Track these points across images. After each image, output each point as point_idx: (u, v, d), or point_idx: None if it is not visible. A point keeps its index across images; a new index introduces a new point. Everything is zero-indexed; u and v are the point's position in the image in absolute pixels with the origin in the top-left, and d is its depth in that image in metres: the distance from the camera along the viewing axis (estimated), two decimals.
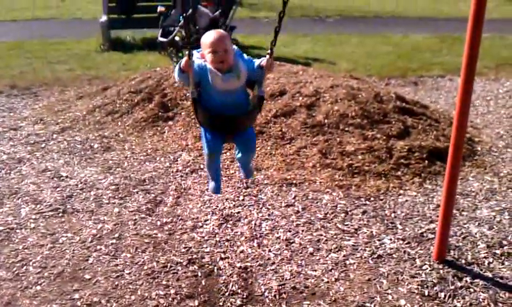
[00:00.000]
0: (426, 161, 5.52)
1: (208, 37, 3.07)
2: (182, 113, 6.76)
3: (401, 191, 4.99)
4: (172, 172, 5.47)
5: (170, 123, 6.69)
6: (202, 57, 3.11)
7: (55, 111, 7.51)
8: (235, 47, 3.14)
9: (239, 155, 3.50)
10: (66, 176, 5.37)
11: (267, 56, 3.05)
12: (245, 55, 3.20)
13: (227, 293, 3.51)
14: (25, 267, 3.83)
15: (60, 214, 4.62)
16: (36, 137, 6.52)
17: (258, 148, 5.82)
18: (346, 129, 5.93)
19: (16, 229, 4.37)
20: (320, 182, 5.12)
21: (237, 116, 3.14)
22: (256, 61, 3.14)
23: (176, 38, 11.36)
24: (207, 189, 3.92)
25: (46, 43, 12.58)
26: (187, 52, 2.95)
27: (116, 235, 4.26)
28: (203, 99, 3.11)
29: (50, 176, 5.38)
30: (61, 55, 11.46)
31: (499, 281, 3.60)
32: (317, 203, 4.76)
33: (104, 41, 12.51)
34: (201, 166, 5.48)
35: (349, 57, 11.60)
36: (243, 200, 4.84)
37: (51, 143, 6.32)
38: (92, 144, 6.25)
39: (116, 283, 3.63)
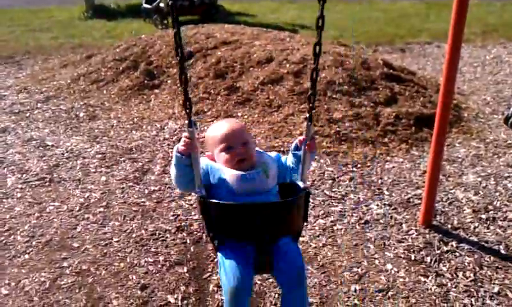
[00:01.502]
0: (413, 128, 5.54)
1: (218, 129, 2.33)
2: (168, 81, 6.69)
3: (388, 158, 5.02)
4: (159, 140, 5.44)
5: (156, 91, 6.63)
6: (211, 160, 2.37)
7: (39, 80, 7.41)
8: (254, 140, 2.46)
9: (284, 292, 2.28)
10: (52, 145, 5.32)
11: (307, 132, 2.30)
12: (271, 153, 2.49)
13: (216, 260, 3.53)
14: (12, 236, 3.81)
15: (47, 183, 4.59)
16: (21, 106, 6.43)
17: (246, 116, 5.78)
18: (333, 96, 5.91)
19: (2, 198, 4.34)
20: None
21: (272, 204, 2.24)
22: (289, 153, 2.44)
23: (161, 5, 11.19)
24: None
25: (28, 11, 12.36)
26: (184, 134, 2.16)
27: (104, 204, 4.25)
28: (217, 198, 2.20)
29: (36, 146, 5.32)
30: (44, 23, 11.28)
31: (484, 245, 3.65)
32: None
33: (87, 8, 12.32)
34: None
35: (336, 24, 11.53)
36: None
37: (36, 112, 6.24)
38: (77, 113, 6.19)
39: (105, 250, 3.63)
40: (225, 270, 2.16)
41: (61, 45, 9.60)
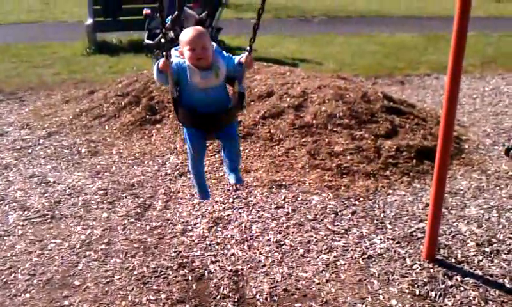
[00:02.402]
0: (414, 160, 5.54)
1: (187, 34, 3.03)
2: (170, 116, 6.72)
3: (390, 191, 5.01)
4: (161, 175, 5.45)
5: (158, 126, 6.66)
6: (181, 55, 3.08)
7: (41, 116, 7.45)
8: (214, 44, 3.11)
9: (225, 154, 3.38)
10: (54, 182, 5.32)
11: (246, 53, 3.03)
12: (224, 53, 3.18)
13: (218, 297, 3.50)
14: (13, 275, 3.78)
15: (48, 220, 4.58)
16: (23, 142, 6.46)
17: (247, 150, 5.81)
18: (334, 129, 5.94)
19: (3, 236, 4.32)
20: (310, 183, 5.12)
21: (218, 112, 3.10)
22: (236, 58, 3.12)
23: (163, 41, 11.34)
24: (196, 192, 3.86)
25: (31, 47, 12.49)
26: (163, 59, 2.92)
27: (106, 241, 4.23)
28: (183, 98, 3.08)
29: (38, 182, 5.33)
30: (47, 59, 11.38)
31: (489, 279, 3.62)
32: (306, 204, 4.76)
33: (89, 44, 12.44)
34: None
35: (335, 57, 11.64)
36: (233, 203, 4.82)
37: (38, 148, 6.26)
38: (79, 149, 6.21)
39: (106, 288, 3.60)
40: (189, 140, 3.20)
41: (63, 81, 9.67)
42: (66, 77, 9.96)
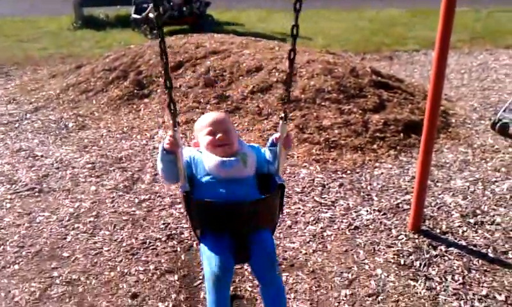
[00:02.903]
0: (401, 134, 5.58)
1: (205, 118, 2.53)
2: (158, 90, 6.70)
3: (377, 164, 5.05)
4: (149, 149, 5.44)
5: (146, 100, 6.64)
6: (196, 146, 2.57)
7: (28, 90, 7.39)
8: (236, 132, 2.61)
9: (260, 281, 2.50)
10: (42, 156, 5.31)
11: (280, 122, 2.44)
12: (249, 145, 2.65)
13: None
14: (2, 247, 3.79)
15: (36, 193, 4.57)
16: (10, 117, 6.41)
17: (235, 124, 5.80)
18: (323, 104, 5.95)
19: None
20: (298, 157, 5.15)
21: (249, 202, 2.34)
22: (266, 147, 2.59)
23: (150, 15, 11.22)
24: None
25: (17, 22, 12.32)
26: (169, 132, 2.33)
27: (94, 213, 4.24)
28: (199, 192, 2.39)
29: (25, 156, 5.31)
30: (33, 34, 11.26)
31: (473, 249, 3.68)
32: (294, 177, 4.79)
33: (76, 18, 12.31)
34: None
35: (324, 32, 11.62)
36: None
37: (25, 123, 6.23)
38: (67, 123, 6.18)
39: (95, 260, 3.62)
40: (207, 259, 2.32)
41: (50, 55, 9.59)
42: (52, 51, 9.87)
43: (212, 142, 2.44)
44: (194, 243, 3.79)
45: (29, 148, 5.51)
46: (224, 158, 2.40)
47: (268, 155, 2.59)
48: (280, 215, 2.55)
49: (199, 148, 2.54)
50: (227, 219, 2.33)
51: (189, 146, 2.67)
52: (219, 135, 2.44)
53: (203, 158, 2.45)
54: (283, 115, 2.42)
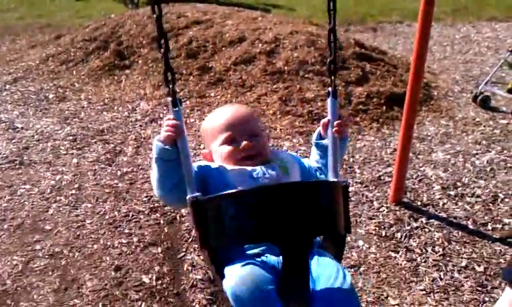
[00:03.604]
0: (384, 106, 5.60)
1: (218, 116, 1.89)
2: (139, 61, 6.62)
3: (359, 136, 5.07)
4: (131, 121, 5.39)
5: (127, 71, 6.55)
6: (207, 159, 1.96)
7: (7, 61, 7.25)
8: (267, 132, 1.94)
9: None
10: (22, 128, 5.23)
11: (330, 104, 1.85)
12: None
13: (190, 239, 3.54)
14: None
15: (17, 166, 4.52)
16: None
17: (218, 96, 5.77)
18: (306, 76, 5.94)
19: None
20: (281, 129, 5.14)
21: (304, 183, 1.76)
22: (312, 152, 1.99)
23: None
24: None
25: None
26: (168, 117, 1.68)
27: (76, 186, 4.21)
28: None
29: (5, 128, 5.23)
30: (11, 2, 10.98)
31: (453, 221, 3.74)
32: (277, 149, 4.80)
33: None
34: (161, 115, 5.41)
35: (308, 3, 11.51)
36: None
37: (4, 94, 6.12)
38: (47, 94, 6.08)
39: (78, 232, 3.61)
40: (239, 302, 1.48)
41: (28, 25, 9.39)
42: (31, 21, 9.67)
43: (233, 154, 1.81)
44: (177, 215, 3.79)
45: (8, 119, 5.43)
46: (256, 167, 1.78)
47: (315, 157, 1.96)
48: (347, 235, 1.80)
49: (212, 163, 1.87)
50: (267, 214, 1.48)
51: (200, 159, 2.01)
52: (243, 144, 1.81)
53: (221, 167, 1.81)
54: (330, 90, 1.86)
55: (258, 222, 1.49)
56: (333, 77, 1.88)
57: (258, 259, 1.62)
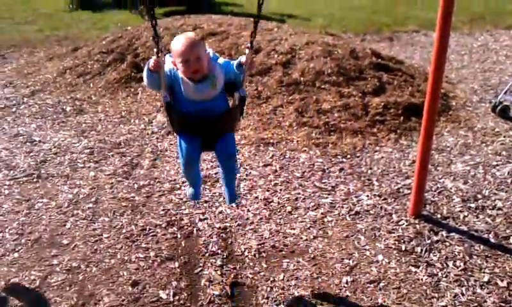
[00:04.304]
0: (402, 117, 5.54)
1: (178, 44, 2.73)
2: None
3: (377, 148, 5.02)
4: (147, 134, 5.40)
5: (143, 83, 6.56)
6: (174, 65, 2.81)
7: (24, 74, 7.32)
8: (209, 50, 2.85)
9: (221, 169, 3.18)
10: (39, 141, 5.27)
11: (247, 51, 2.73)
12: (221, 59, 2.93)
13: (207, 254, 3.52)
14: (1, 234, 3.76)
15: (35, 179, 4.54)
16: (6, 101, 6.35)
17: None
18: (322, 87, 5.90)
19: None
20: (297, 141, 5.11)
21: (215, 117, 2.85)
22: (235, 62, 2.85)
23: None
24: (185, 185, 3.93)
25: (12, 3, 12.16)
26: (154, 57, 2.63)
27: (93, 199, 4.21)
28: (177, 104, 2.82)
29: (23, 141, 5.26)
30: (29, 16, 11.14)
31: (474, 234, 3.67)
32: (294, 161, 4.76)
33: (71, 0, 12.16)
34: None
35: (323, 13, 11.50)
36: None
37: (22, 107, 6.17)
38: (64, 107, 6.12)
39: (95, 247, 3.60)
40: (181, 149, 2.92)
41: (46, 37, 9.48)
42: (49, 33, 9.77)
43: (186, 71, 2.71)
44: (194, 229, 3.77)
45: (26, 132, 5.46)
46: (197, 84, 2.75)
47: (235, 70, 2.85)
48: (240, 121, 3.11)
49: (177, 67, 2.79)
50: (198, 127, 2.84)
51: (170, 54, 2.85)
52: (192, 65, 2.69)
53: (181, 80, 2.76)
54: (249, 44, 2.73)
55: (192, 127, 2.86)
56: (255, 32, 2.71)
57: (191, 137, 2.91)
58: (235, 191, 3.23)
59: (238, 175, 3.45)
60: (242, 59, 2.77)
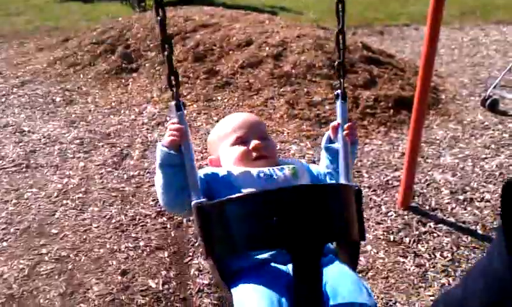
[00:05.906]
0: (392, 110, 5.57)
1: (229, 121, 1.90)
2: (146, 65, 6.62)
3: (367, 140, 5.04)
4: (138, 125, 5.39)
5: (134, 74, 6.55)
6: (213, 165, 1.95)
7: (14, 64, 7.27)
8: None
9: None
10: (29, 131, 5.24)
11: (338, 104, 1.87)
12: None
13: (197, 244, 3.52)
14: None
15: (24, 169, 4.52)
16: None
17: (225, 100, 5.75)
18: (313, 79, 5.91)
19: None
20: (288, 133, 5.12)
21: (314, 185, 1.72)
22: (323, 142, 1.96)
23: None
24: None
25: None
26: (172, 121, 1.70)
27: (83, 189, 4.20)
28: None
29: (12, 131, 5.23)
30: (19, 7, 11.05)
31: (461, 226, 3.70)
32: (284, 153, 4.77)
33: None
34: (168, 118, 5.39)
35: (315, 6, 11.49)
36: None
37: (11, 97, 6.13)
38: (54, 98, 6.09)
39: (84, 236, 3.60)
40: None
41: (36, 28, 9.42)
42: (39, 24, 9.70)
43: (245, 154, 1.77)
44: (184, 219, 3.77)
45: (15, 123, 5.43)
46: (263, 168, 1.72)
47: (325, 162, 1.92)
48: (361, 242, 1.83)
49: (219, 168, 1.82)
50: (276, 221, 1.39)
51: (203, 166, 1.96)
52: (255, 142, 1.78)
53: (230, 172, 1.73)
54: (338, 92, 1.85)
55: (265, 227, 1.41)
56: (341, 80, 1.89)
57: (267, 269, 1.58)
58: None
59: None
60: (334, 123, 1.85)
